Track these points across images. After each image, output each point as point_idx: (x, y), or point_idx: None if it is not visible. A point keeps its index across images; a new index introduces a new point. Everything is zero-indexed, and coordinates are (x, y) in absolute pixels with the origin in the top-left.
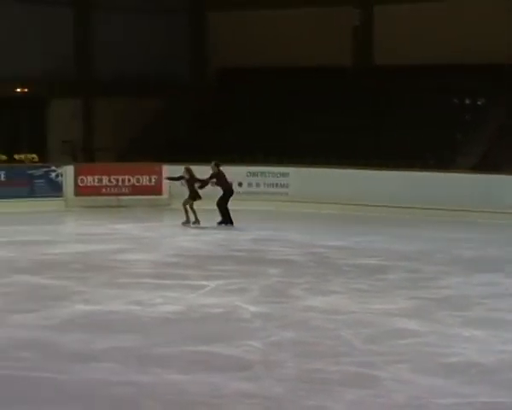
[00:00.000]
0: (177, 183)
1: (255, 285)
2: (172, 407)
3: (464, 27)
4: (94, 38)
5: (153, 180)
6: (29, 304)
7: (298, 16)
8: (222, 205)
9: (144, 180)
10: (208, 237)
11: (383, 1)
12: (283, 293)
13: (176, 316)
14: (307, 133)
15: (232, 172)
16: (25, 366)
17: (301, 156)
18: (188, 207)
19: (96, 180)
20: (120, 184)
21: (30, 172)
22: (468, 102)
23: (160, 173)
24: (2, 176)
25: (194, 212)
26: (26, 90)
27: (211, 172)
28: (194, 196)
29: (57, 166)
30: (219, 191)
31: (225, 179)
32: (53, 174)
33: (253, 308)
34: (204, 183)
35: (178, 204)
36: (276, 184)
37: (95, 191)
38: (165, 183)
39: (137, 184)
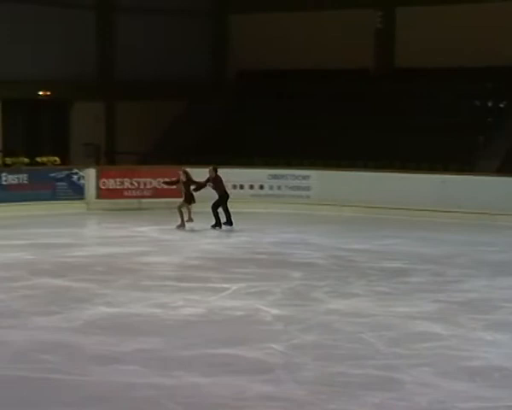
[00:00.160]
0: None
1: (277, 288)
2: None
3: (486, 30)
4: (116, 41)
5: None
6: (51, 306)
7: (319, 18)
8: (214, 209)
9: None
10: (230, 240)
11: (405, 3)
12: (305, 296)
13: (197, 319)
14: (329, 136)
15: (253, 174)
16: (46, 368)
17: (323, 159)
18: (182, 209)
19: (118, 183)
20: (142, 186)
21: (52, 174)
22: (490, 104)
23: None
24: (25, 179)
25: (181, 214)
26: (48, 93)
27: (208, 175)
28: (189, 199)
29: (79, 169)
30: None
31: (222, 183)
32: (75, 177)
33: (274, 311)
34: (199, 186)
35: (200, 207)
36: (298, 187)
37: (116, 194)
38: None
39: (159, 187)
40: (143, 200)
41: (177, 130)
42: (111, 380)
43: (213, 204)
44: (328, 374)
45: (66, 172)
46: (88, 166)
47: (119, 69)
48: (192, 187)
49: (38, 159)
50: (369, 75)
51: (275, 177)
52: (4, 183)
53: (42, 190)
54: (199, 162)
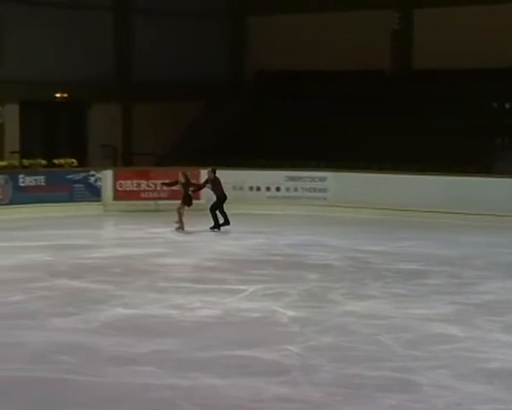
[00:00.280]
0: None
1: (293, 290)
2: None
3: (504, 31)
4: (134, 43)
5: None
6: (69, 308)
7: (336, 20)
8: (213, 210)
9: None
10: (246, 242)
11: (423, 5)
12: (321, 298)
13: (214, 320)
14: (345, 137)
15: (270, 176)
16: (64, 369)
17: (339, 160)
18: (179, 211)
19: (135, 185)
20: (159, 188)
21: (69, 176)
22: (507, 106)
23: (198, 178)
24: (42, 180)
25: (180, 216)
26: (65, 95)
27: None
28: (187, 201)
29: (96, 171)
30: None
31: (220, 185)
32: (92, 179)
33: (290, 313)
34: (197, 187)
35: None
36: (315, 189)
37: (133, 196)
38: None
39: (175, 189)
40: (160, 201)
41: (195, 131)
42: (127, 381)
43: (212, 206)
44: (344, 376)
45: (84, 173)
46: (105, 167)
47: (137, 71)
48: (190, 189)
49: (56, 160)
50: (385, 76)
51: (291, 178)
52: (22, 184)
53: (59, 191)
54: (216, 164)
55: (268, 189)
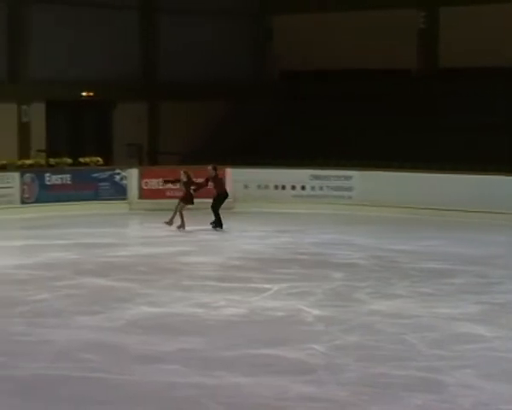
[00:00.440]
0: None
1: (318, 289)
2: None
3: None
4: (159, 42)
5: None
6: (93, 306)
7: (362, 18)
8: (216, 207)
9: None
10: (271, 240)
11: (449, 3)
12: (347, 297)
13: (239, 319)
14: (371, 136)
15: (295, 175)
16: (89, 367)
17: (365, 159)
18: (180, 210)
19: (160, 183)
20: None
21: (95, 175)
22: None
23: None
24: (68, 179)
25: (180, 215)
26: (91, 94)
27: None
28: (188, 199)
29: (122, 170)
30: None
31: (221, 183)
32: (117, 177)
33: (316, 312)
34: (199, 186)
35: (242, 208)
36: (340, 188)
37: (158, 194)
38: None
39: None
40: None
41: (221, 131)
42: (152, 379)
43: (213, 203)
44: (370, 375)
45: (109, 172)
46: (130, 166)
47: (162, 70)
48: (192, 187)
49: (81, 159)
50: (412, 76)
51: (317, 177)
52: (48, 183)
53: (85, 190)
54: (243, 163)
55: (293, 187)
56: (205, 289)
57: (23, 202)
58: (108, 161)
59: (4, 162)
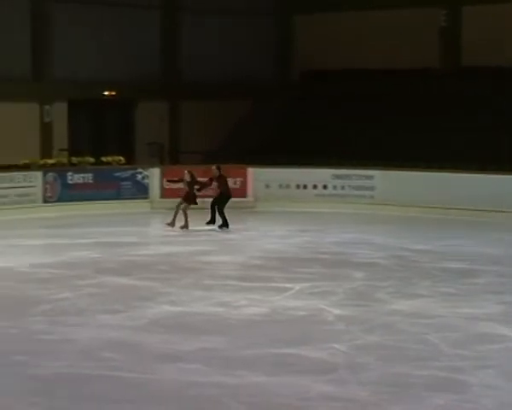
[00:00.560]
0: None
1: (340, 288)
2: (257, 409)
3: None
4: (181, 41)
5: (237, 183)
6: (115, 305)
7: (383, 17)
8: (220, 207)
9: (229, 183)
10: (293, 240)
11: (472, 1)
12: (368, 296)
13: (260, 318)
14: (393, 135)
15: (317, 174)
16: (111, 365)
17: (387, 159)
18: (184, 210)
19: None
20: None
21: (117, 174)
22: None
23: (244, 176)
24: (90, 178)
25: (180, 214)
26: (113, 93)
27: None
28: (190, 200)
29: (144, 169)
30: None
31: (225, 183)
32: (139, 176)
33: (337, 311)
34: (203, 185)
35: (263, 207)
36: (362, 187)
37: (180, 194)
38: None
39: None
40: (206, 199)
41: (242, 130)
42: (174, 378)
43: (218, 204)
44: (391, 375)
45: (131, 171)
46: (152, 165)
47: (184, 69)
48: (196, 187)
49: (104, 158)
50: (434, 74)
51: (338, 177)
52: (70, 182)
53: (107, 189)
54: (263, 162)
55: (315, 187)
56: (226, 289)
57: (45, 201)
58: (130, 160)
59: (27, 162)
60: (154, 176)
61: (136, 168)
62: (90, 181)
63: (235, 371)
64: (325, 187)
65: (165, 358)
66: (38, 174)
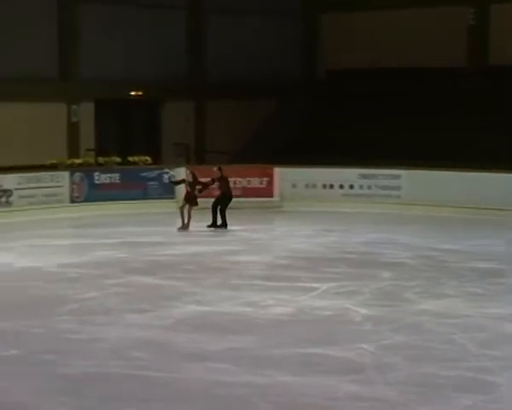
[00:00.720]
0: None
1: (367, 288)
2: (284, 409)
3: None
4: (206, 41)
5: (264, 182)
6: (142, 304)
7: (410, 16)
8: (222, 209)
9: (255, 182)
10: (319, 239)
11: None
12: (395, 296)
13: (287, 318)
14: (419, 135)
15: (343, 174)
16: (138, 365)
17: (413, 158)
18: (184, 210)
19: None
20: (231, 186)
21: (143, 174)
22: None
23: (271, 176)
24: (117, 178)
25: (182, 216)
26: (140, 93)
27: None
28: (192, 201)
29: (170, 169)
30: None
31: (227, 184)
32: (166, 176)
33: (364, 311)
34: (204, 186)
35: (290, 207)
36: (388, 187)
37: (206, 193)
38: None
39: (248, 186)
40: (233, 199)
41: (268, 129)
42: (201, 378)
43: (220, 205)
44: (419, 375)
45: (158, 171)
46: (178, 165)
47: (210, 69)
48: (197, 187)
49: (130, 158)
50: (461, 73)
51: (365, 176)
52: (97, 182)
53: (133, 189)
54: (289, 162)
55: (341, 186)
56: (253, 288)
57: (72, 201)
58: (157, 160)
59: (54, 162)
60: (180, 176)
61: (162, 168)
62: (117, 181)
63: (263, 370)
64: (351, 187)
65: (193, 357)
66: (65, 174)
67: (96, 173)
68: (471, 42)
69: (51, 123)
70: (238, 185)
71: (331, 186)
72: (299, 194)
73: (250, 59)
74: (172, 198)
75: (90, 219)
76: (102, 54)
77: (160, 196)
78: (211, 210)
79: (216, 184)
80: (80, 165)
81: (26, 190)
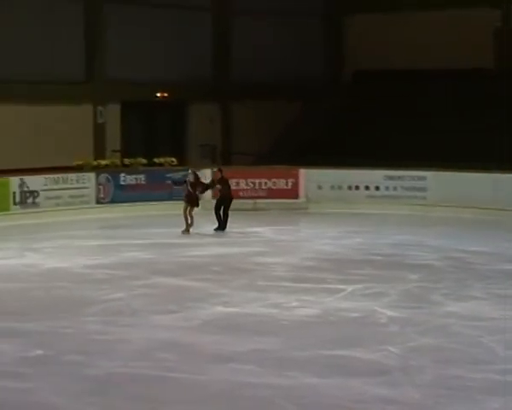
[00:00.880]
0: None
1: (393, 290)
2: None
3: None
4: (232, 43)
5: (289, 184)
6: (169, 305)
7: (436, 18)
8: (224, 210)
9: (281, 184)
10: (345, 241)
11: None
12: (422, 298)
13: (313, 320)
14: (445, 136)
15: (369, 175)
16: (164, 366)
17: (439, 160)
18: (190, 212)
19: (234, 184)
20: (257, 187)
21: (169, 175)
22: None
23: (296, 177)
24: (143, 179)
25: (186, 218)
26: (165, 94)
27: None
28: (193, 202)
29: (196, 170)
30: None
31: (227, 185)
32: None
33: (390, 313)
34: (205, 187)
35: (315, 208)
36: (414, 188)
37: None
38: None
39: (274, 188)
40: (258, 200)
41: (293, 131)
42: (227, 379)
43: (223, 207)
44: (445, 377)
45: (183, 172)
46: (204, 166)
47: (235, 70)
48: (198, 189)
49: (156, 159)
50: (487, 75)
51: (391, 178)
52: (123, 183)
53: (159, 190)
54: (314, 163)
55: (367, 188)
56: (279, 290)
57: (98, 202)
58: (182, 162)
59: (80, 163)
60: (205, 177)
61: (188, 169)
62: (143, 182)
63: (288, 372)
64: (377, 188)
65: (218, 359)
66: (91, 175)
67: (122, 175)
68: (498, 44)
69: (77, 124)
70: (264, 187)
71: (357, 188)
72: (325, 195)
73: (274, 61)
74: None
75: (115, 221)
76: (128, 56)
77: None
78: (214, 214)
79: (217, 187)
80: (106, 166)
81: (53, 192)
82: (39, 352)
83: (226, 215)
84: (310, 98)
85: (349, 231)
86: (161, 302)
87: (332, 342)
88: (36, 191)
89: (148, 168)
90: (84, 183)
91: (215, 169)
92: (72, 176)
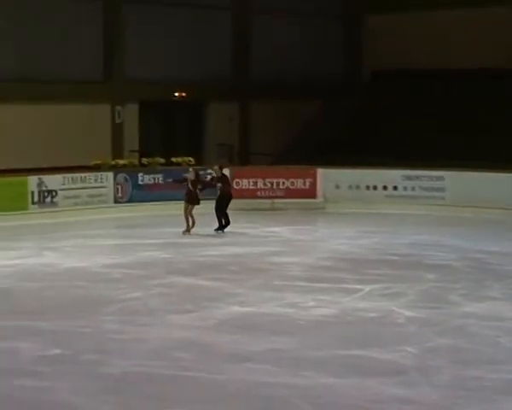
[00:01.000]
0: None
1: (410, 290)
2: None
3: None
4: (251, 42)
5: (307, 184)
6: (185, 305)
7: (455, 17)
8: (220, 210)
9: (298, 183)
10: (362, 241)
11: None
12: (440, 298)
13: (330, 319)
14: (464, 136)
15: (387, 175)
16: (181, 365)
17: (457, 160)
18: (190, 212)
19: (251, 183)
20: (275, 187)
21: (187, 174)
22: None
23: (314, 177)
24: (160, 179)
25: (186, 219)
26: (183, 94)
27: (213, 174)
28: (193, 200)
29: (212, 170)
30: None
31: (228, 183)
32: (209, 177)
33: (408, 313)
34: (205, 185)
35: (333, 208)
36: (432, 188)
37: (250, 194)
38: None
39: (292, 188)
40: (276, 200)
41: (311, 130)
42: (243, 378)
43: (218, 206)
44: (463, 378)
45: (201, 172)
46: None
47: (254, 70)
48: (198, 187)
49: (174, 159)
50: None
51: (409, 178)
52: (141, 183)
53: (177, 189)
54: (332, 163)
55: (385, 188)
56: (295, 290)
57: (116, 201)
58: (200, 161)
59: (98, 162)
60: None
61: (205, 169)
62: (161, 182)
63: (304, 371)
64: (395, 188)
65: (235, 358)
66: (109, 175)
67: (140, 174)
68: None
69: (96, 124)
70: (281, 187)
71: (375, 187)
72: (343, 195)
73: (293, 59)
74: (214, 199)
75: (133, 220)
76: (147, 55)
77: (203, 197)
78: (215, 214)
79: (218, 185)
80: (124, 166)
81: (71, 191)
82: (57, 351)
83: (225, 215)
84: (329, 97)
85: (366, 230)
86: (178, 302)
87: (349, 342)
88: (54, 191)
89: (166, 168)
90: (102, 182)
91: (215, 167)
92: (90, 175)
